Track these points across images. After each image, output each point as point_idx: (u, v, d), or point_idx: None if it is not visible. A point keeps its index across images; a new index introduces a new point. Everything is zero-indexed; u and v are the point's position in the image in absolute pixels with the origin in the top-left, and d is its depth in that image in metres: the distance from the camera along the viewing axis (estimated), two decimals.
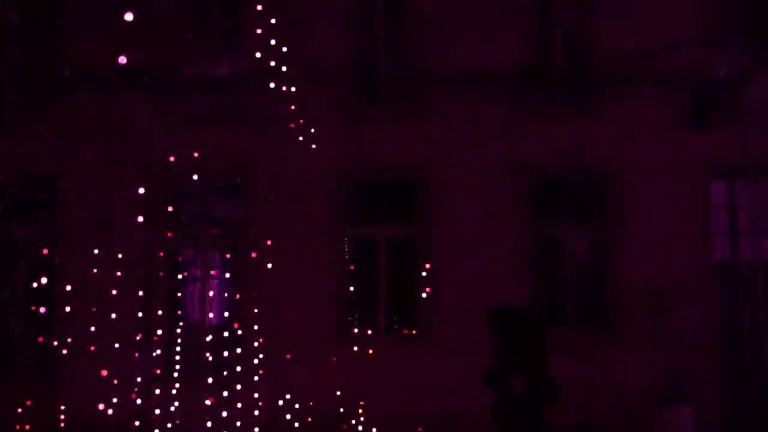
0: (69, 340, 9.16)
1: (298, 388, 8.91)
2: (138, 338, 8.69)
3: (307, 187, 9.68)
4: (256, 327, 9.22)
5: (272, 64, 8.74)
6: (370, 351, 9.00)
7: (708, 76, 9.75)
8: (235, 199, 10.14)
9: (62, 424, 8.88)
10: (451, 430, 9.22)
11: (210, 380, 8.95)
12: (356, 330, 9.69)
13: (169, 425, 8.91)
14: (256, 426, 8.75)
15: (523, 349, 5.29)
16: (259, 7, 8.71)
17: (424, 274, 9.75)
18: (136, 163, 9.55)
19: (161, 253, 9.62)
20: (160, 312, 9.52)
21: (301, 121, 9.60)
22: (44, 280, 9.15)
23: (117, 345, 9.02)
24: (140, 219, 8.96)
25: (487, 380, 5.41)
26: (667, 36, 9.54)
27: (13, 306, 9.79)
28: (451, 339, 9.38)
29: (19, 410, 8.90)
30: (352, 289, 9.80)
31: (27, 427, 8.97)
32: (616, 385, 9.17)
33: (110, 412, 8.16)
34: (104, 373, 8.27)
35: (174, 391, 9.05)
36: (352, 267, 9.88)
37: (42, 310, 8.92)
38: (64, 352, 9.14)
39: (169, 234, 9.61)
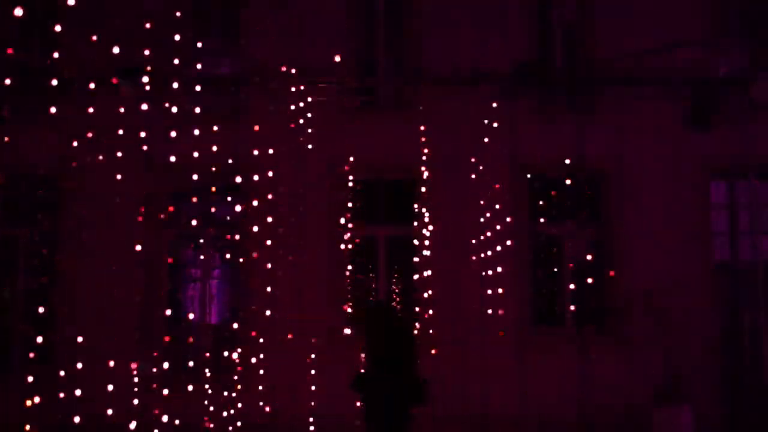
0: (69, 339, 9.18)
1: (299, 387, 8.92)
2: (138, 338, 8.70)
3: (307, 187, 9.68)
4: (256, 327, 9.24)
5: (272, 64, 8.76)
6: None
7: (708, 76, 9.75)
8: (235, 199, 10.13)
9: (62, 424, 8.88)
10: (450, 430, 9.22)
11: (210, 380, 8.95)
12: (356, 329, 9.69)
13: (169, 425, 8.91)
14: (257, 426, 8.75)
15: (391, 349, 5.22)
16: (259, 7, 8.73)
17: (423, 273, 9.76)
18: (136, 163, 9.56)
19: (161, 253, 9.63)
20: (160, 312, 9.53)
21: (301, 121, 9.61)
22: (44, 280, 9.21)
23: (117, 345, 9.04)
24: (140, 219, 8.97)
25: (355, 384, 5.34)
26: (667, 36, 9.54)
27: (13, 306, 9.80)
28: (450, 338, 9.39)
29: (20, 409, 8.90)
30: (351, 288, 9.81)
31: (27, 427, 8.97)
32: (615, 385, 9.17)
33: (110, 411, 8.17)
34: (104, 371, 8.27)
35: (174, 391, 9.05)
36: (352, 266, 9.88)
37: (42, 309, 8.95)
38: (64, 352, 9.15)
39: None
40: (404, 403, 5.12)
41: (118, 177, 9.43)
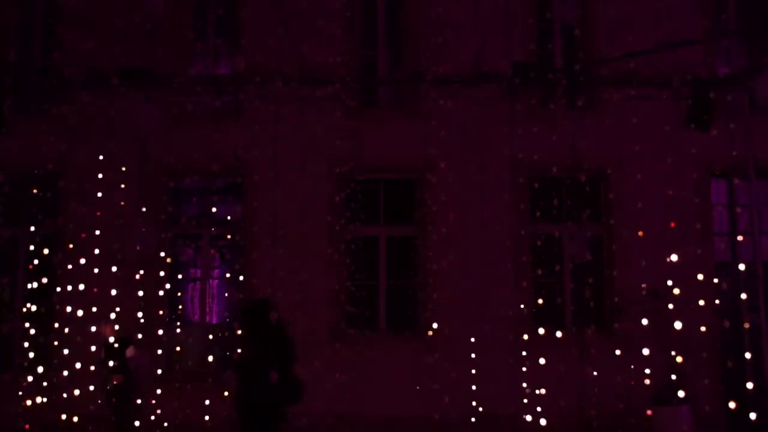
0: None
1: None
2: (138, 338, 8.71)
3: (309, 187, 9.68)
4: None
5: (272, 64, 8.76)
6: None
7: (708, 76, 9.73)
8: (235, 199, 10.14)
9: (61, 423, 8.89)
10: (450, 430, 9.23)
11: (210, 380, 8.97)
12: (356, 329, 9.69)
13: (170, 425, 8.93)
14: None
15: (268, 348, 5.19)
16: (259, 7, 8.74)
17: (423, 273, 9.76)
18: (135, 163, 9.57)
19: (161, 253, 9.63)
20: (160, 312, 9.53)
21: (301, 121, 9.62)
22: (44, 280, 9.21)
23: (117, 345, 9.03)
24: (140, 219, 8.97)
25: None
26: (667, 36, 9.53)
27: (12, 306, 9.81)
28: (450, 338, 9.40)
29: (20, 410, 8.92)
30: (352, 288, 9.80)
31: (27, 426, 8.99)
32: (615, 385, 9.16)
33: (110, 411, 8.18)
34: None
35: (174, 391, 9.07)
36: (352, 266, 9.87)
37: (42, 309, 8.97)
38: (65, 352, 9.16)
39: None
40: (278, 403, 5.12)
41: (118, 176, 9.47)
